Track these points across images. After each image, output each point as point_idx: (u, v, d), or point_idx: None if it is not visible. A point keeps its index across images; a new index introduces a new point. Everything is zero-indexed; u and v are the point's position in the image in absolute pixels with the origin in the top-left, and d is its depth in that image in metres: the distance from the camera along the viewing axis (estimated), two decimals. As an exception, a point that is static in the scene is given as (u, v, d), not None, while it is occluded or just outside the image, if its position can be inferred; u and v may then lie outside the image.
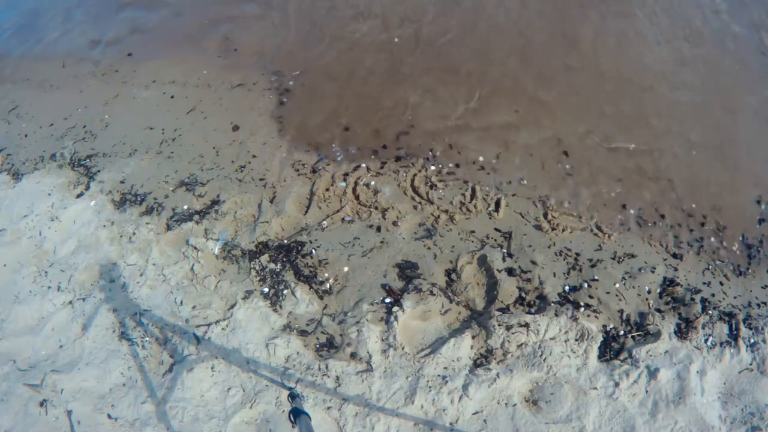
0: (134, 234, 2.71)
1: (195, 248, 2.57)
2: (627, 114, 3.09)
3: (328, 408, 2.00)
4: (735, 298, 2.28)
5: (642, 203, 2.64)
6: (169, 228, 2.72)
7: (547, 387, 2.02)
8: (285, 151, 3.06)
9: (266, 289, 2.40)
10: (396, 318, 2.20)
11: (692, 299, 2.24)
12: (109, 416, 2.08)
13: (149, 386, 2.15)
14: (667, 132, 2.98)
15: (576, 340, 2.11)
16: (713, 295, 2.28)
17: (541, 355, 2.07)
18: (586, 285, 2.31)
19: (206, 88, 3.60)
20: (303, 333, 2.24)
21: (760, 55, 3.43)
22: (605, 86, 3.25)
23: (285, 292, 2.38)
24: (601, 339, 2.13)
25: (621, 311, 2.22)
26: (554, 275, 2.35)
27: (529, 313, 2.21)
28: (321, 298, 2.36)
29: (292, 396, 1.66)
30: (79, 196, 2.99)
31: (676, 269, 2.37)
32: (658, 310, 2.23)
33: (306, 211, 2.71)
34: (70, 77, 4.08)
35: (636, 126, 3.02)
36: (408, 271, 2.40)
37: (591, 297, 2.26)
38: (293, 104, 3.36)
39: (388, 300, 2.30)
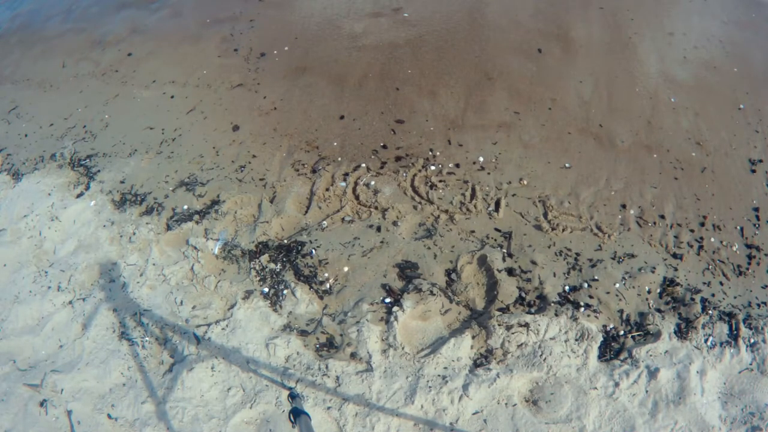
0: (134, 234, 2.71)
1: (195, 248, 2.57)
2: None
3: (328, 408, 2.00)
4: (735, 298, 2.28)
5: (642, 202, 2.64)
6: (169, 228, 2.72)
7: (547, 387, 2.02)
8: (285, 151, 3.06)
9: (266, 289, 2.40)
10: (396, 318, 2.20)
11: (692, 299, 2.24)
12: (109, 416, 2.08)
13: (149, 386, 2.15)
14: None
15: (576, 340, 2.11)
16: (713, 295, 2.28)
17: (541, 355, 2.07)
18: (586, 285, 2.31)
19: (206, 88, 3.61)
20: (303, 333, 2.24)
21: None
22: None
23: (285, 292, 2.38)
24: (601, 339, 2.13)
25: (621, 311, 2.22)
26: (554, 275, 2.35)
27: (529, 313, 2.21)
28: (321, 298, 2.36)
29: (292, 396, 1.65)
30: (79, 196, 2.99)
31: (676, 269, 2.37)
32: (658, 310, 2.23)
33: (306, 211, 2.70)
34: (70, 77, 4.08)
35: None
36: (408, 271, 2.40)
37: (591, 297, 2.26)
38: (293, 104, 3.36)
39: (388, 300, 2.30)
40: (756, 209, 2.61)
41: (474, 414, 1.96)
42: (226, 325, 2.27)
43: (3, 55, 4.66)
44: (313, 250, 2.52)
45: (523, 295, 2.29)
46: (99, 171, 3.14)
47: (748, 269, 2.38)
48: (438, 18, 3.83)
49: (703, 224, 2.55)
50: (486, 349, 2.12)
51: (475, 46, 3.56)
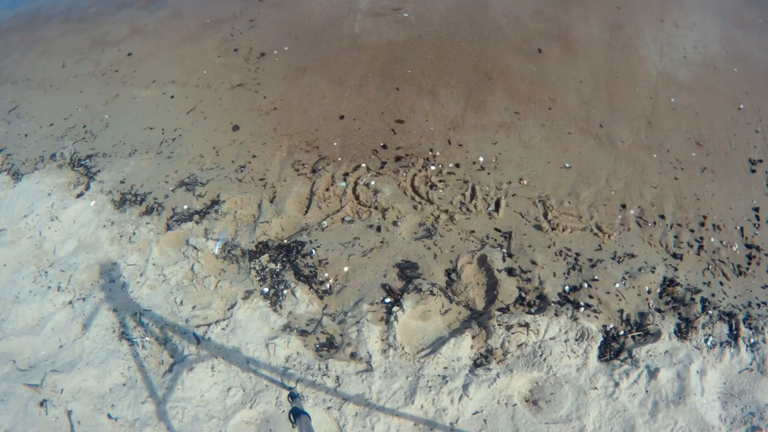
0: (134, 234, 2.71)
1: (195, 248, 2.57)
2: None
3: (328, 408, 2.00)
4: (735, 298, 2.28)
5: (642, 202, 2.64)
6: (169, 228, 2.72)
7: (547, 387, 2.02)
8: (285, 151, 3.06)
9: (266, 289, 2.40)
10: (396, 318, 2.20)
11: (692, 299, 2.24)
12: (109, 416, 2.08)
13: (149, 386, 2.15)
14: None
15: (576, 340, 2.11)
16: (713, 295, 2.28)
17: (541, 355, 2.07)
18: (586, 285, 2.31)
19: (206, 88, 3.61)
20: (303, 333, 2.24)
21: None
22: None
23: (285, 292, 2.38)
24: (601, 339, 2.13)
25: (621, 311, 2.22)
26: (554, 275, 2.35)
27: (529, 313, 2.21)
28: (321, 298, 2.36)
29: (292, 396, 1.65)
30: (79, 196, 2.99)
31: (676, 269, 2.37)
32: (658, 310, 2.23)
33: (306, 211, 2.70)
34: (70, 77, 4.08)
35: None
36: (408, 271, 2.40)
37: (591, 297, 2.26)
38: (293, 104, 3.36)
39: (388, 300, 2.30)
40: (756, 209, 2.62)
41: (474, 414, 1.96)
42: (226, 325, 2.27)
43: (3, 55, 4.67)
44: (313, 250, 2.52)
45: (523, 295, 2.29)
46: (99, 171, 3.14)
47: (748, 269, 2.38)
48: (438, 18, 3.83)
49: (703, 224, 2.55)
50: (486, 349, 2.12)
51: (475, 46, 3.56)
